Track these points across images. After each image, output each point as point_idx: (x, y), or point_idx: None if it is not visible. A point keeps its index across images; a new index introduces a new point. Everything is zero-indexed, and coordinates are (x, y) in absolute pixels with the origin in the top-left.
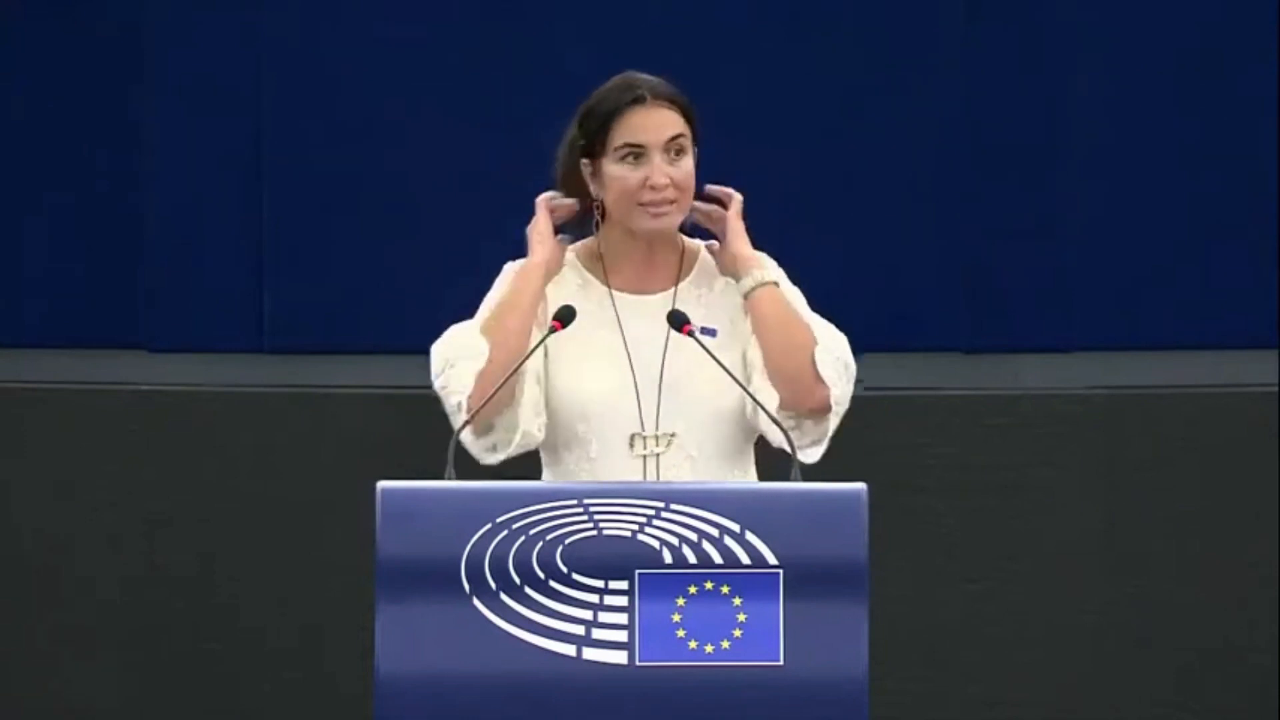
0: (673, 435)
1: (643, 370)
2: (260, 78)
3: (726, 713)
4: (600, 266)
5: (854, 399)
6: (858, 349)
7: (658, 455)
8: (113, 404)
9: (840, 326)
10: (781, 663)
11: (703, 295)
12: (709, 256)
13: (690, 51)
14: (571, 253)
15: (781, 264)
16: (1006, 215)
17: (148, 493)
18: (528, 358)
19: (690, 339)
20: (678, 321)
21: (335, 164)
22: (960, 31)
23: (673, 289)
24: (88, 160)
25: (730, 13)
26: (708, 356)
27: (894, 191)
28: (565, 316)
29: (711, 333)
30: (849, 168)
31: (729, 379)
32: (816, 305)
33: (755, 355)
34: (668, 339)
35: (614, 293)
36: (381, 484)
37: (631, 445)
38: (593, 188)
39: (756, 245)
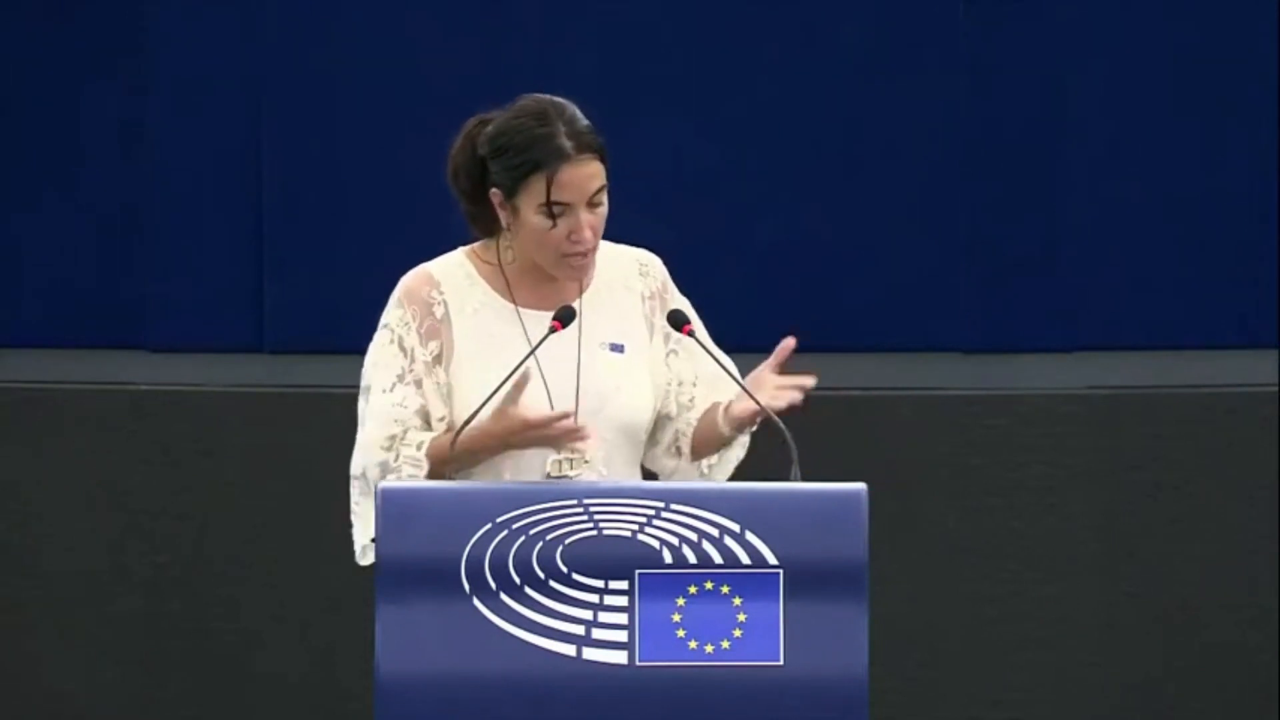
0: (586, 457)
1: (558, 392)
2: (260, 78)
3: (726, 713)
4: (502, 281)
5: (854, 399)
6: (858, 348)
7: (571, 476)
8: (113, 404)
9: (840, 325)
10: (781, 663)
11: (610, 305)
12: (606, 258)
13: (689, 48)
14: (470, 262)
15: (781, 264)
16: (1006, 215)
17: (148, 493)
18: (526, 359)
19: (610, 354)
20: (678, 322)
21: (335, 164)
22: (961, 30)
23: (578, 302)
24: (88, 160)
25: (729, 9)
26: (619, 375)
27: (894, 191)
28: (565, 317)
29: (620, 348)
30: (848, 168)
31: (639, 397)
32: (815, 305)
33: (683, 369)
34: (580, 358)
35: (520, 310)
36: (382, 484)
37: (546, 467)
38: (503, 216)
39: (755, 241)
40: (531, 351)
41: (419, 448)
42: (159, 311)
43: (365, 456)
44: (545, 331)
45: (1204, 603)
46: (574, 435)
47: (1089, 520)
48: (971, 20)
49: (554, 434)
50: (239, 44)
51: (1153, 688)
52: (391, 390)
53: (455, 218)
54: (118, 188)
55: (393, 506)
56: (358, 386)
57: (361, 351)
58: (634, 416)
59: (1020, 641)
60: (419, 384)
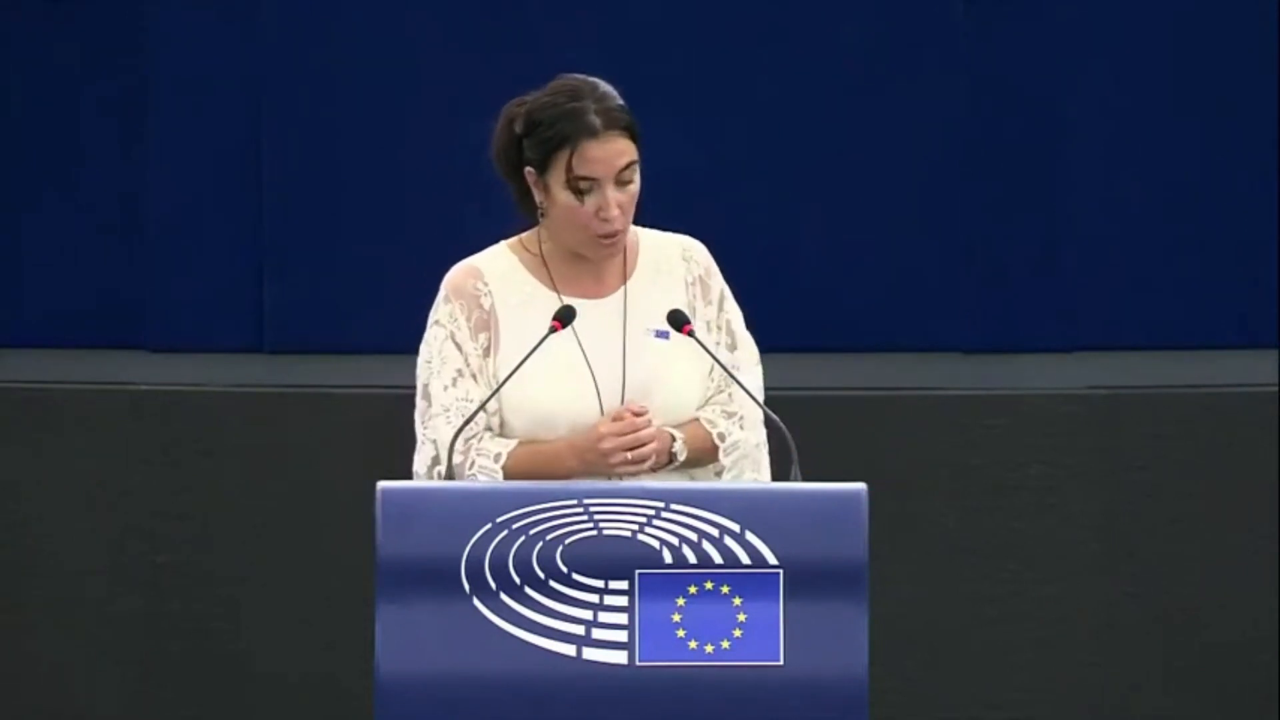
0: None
1: (605, 381)
2: (260, 78)
3: (726, 713)
4: (544, 271)
5: (854, 399)
6: (858, 348)
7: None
8: (113, 404)
9: (840, 326)
10: (781, 663)
11: (655, 292)
12: (649, 245)
13: (689, 48)
14: (513, 254)
15: (781, 264)
16: (1006, 215)
17: (148, 493)
18: (526, 359)
19: (656, 340)
20: (678, 321)
21: (335, 164)
22: (961, 30)
23: (622, 289)
24: (88, 160)
25: (730, 9)
26: (667, 362)
27: (894, 191)
28: (565, 317)
29: (665, 335)
30: (848, 167)
31: (687, 384)
32: (815, 305)
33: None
34: (625, 345)
35: (564, 299)
36: (381, 484)
37: None
38: (536, 195)
39: (756, 242)
40: (529, 354)
41: (496, 459)
42: (159, 311)
43: (436, 452)
44: (594, 319)
45: (1204, 603)
46: (664, 450)
47: (1089, 520)
48: (971, 21)
49: (643, 439)
50: (239, 44)
51: (1153, 688)
52: (455, 385)
53: (456, 218)
54: (118, 188)
55: (393, 507)
56: (357, 386)
57: (361, 351)
58: (680, 406)
59: (1020, 641)
60: (475, 378)
